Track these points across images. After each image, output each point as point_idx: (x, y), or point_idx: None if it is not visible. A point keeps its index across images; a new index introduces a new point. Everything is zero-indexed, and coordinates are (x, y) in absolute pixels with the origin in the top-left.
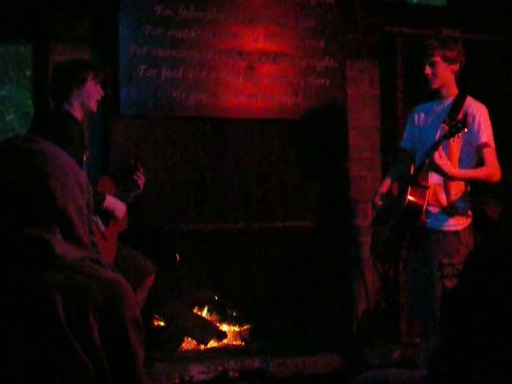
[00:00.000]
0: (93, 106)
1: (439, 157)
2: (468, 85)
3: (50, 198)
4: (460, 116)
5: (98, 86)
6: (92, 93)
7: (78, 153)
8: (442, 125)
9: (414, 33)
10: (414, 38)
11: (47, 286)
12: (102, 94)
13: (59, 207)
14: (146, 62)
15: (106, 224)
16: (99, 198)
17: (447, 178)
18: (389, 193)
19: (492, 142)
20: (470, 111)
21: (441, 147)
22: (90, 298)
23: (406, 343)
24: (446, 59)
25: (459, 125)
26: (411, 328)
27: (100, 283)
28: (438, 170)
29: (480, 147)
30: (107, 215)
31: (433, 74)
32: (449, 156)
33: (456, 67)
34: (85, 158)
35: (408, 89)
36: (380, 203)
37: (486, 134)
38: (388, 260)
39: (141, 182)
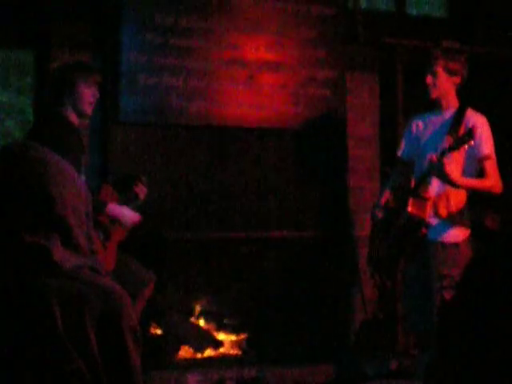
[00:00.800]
0: (86, 108)
1: (445, 163)
2: (468, 96)
3: (49, 205)
4: (465, 128)
5: (92, 88)
6: (83, 95)
7: (77, 158)
8: (447, 136)
9: (414, 44)
10: (414, 50)
11: (45, 292)
12: (97, 96)
13: (58, 214)
14: (146, 69)
15: (106, 233)
16: (100, 206)
17: (452, 184)
18: (387, 203)
19: (494, 154)
20: (472, 124)
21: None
22: (88, 305)
23: (403, 354)
24: (447, 70)
25: (465, 137)
26: (408, 339)
27: (98, 292)
28: (444, 176)
29: (482, 159)
30: (106, 224)
31: (433, 83)
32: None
33: (457, 79)
34: (83, 163)
35: (408, 100)
36: (380, 215)
37: (487, 146)
38: (386, 271)
39: (142, 193)
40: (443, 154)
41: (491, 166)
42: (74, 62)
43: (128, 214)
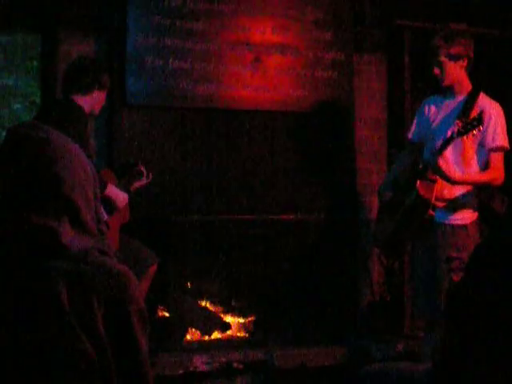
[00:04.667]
0: (99, 110)
1: (442, 161)
2: (478, 80)
3: (56, 185)
4: (475, 113)
5: None
6: (104, 98)
7: (87, 144)
8: (457, 121)
9: (422, 26)
10: (422, 32)
11: (52, 274)
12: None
13: (66, 195)
14: (153, 52)
15: (109, 214)
16: (100, 186)
17: (449, 182)
18: (395, 184)
19: (506, 144)
20: (486, 111)
21: (449, 147)
22: (95, 288)
23: (410, 336)
24: (451, 57)
25: (474, 122)
26: (415, 321)
27: (106, 274)
28: (440, 174)
29: (491, 150)
30: (110, 205)
31: (441, 73)
32: (462, 156)
33: (464, 62)
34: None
35: (415, 82)
36: (388, 195)
37: (500, 138)
38: (392, 252)
39: (144, 175)
40: (449, 141)
41: (497, 158)
42: (102, 61)
43: (121, 195)
